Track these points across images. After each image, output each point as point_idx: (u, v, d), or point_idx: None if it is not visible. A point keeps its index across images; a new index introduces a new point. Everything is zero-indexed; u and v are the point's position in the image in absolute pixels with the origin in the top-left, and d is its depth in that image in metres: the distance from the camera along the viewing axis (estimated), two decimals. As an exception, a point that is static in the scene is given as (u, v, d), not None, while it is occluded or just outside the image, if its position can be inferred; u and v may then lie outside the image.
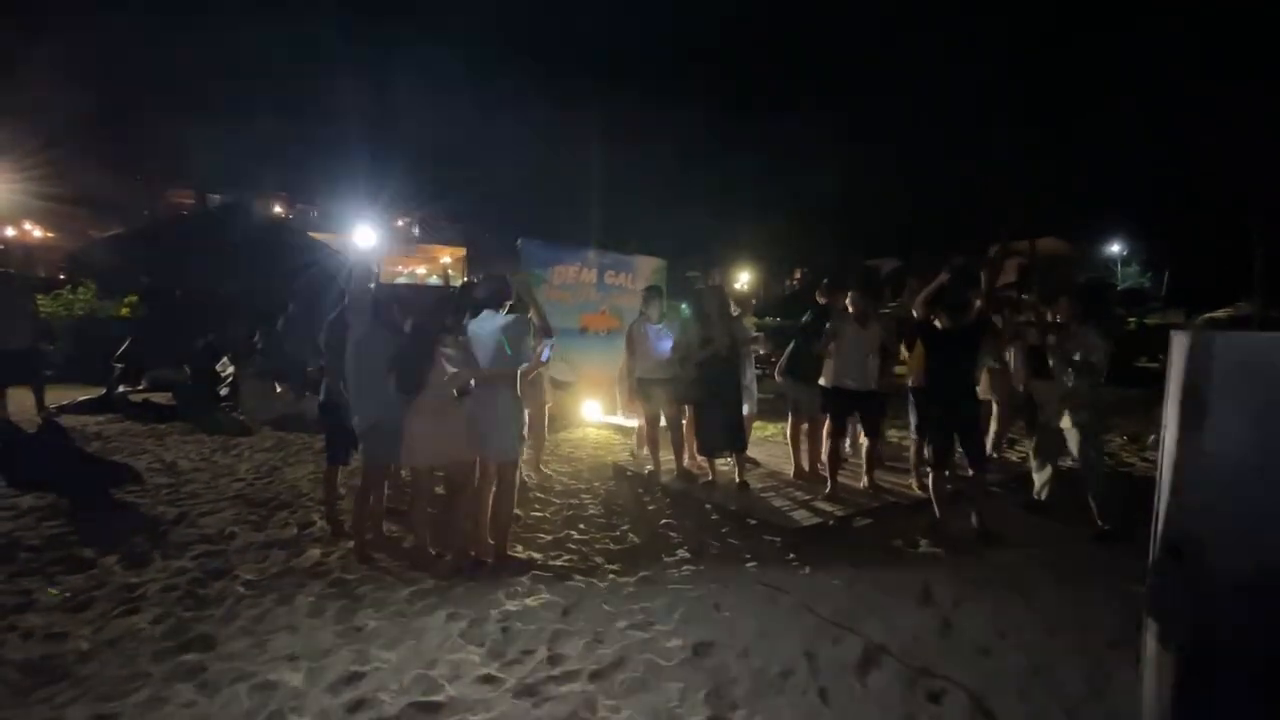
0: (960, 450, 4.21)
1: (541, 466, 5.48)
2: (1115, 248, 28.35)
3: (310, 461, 5.83)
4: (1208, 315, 19.22)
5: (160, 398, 8.33)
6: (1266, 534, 1.50)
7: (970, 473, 4.18)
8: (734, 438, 4.92)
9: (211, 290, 9.86)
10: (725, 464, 5.15)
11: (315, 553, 3.77)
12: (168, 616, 2.99)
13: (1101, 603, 3.22)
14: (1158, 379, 2.10)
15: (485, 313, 3.62)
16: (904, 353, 4.87)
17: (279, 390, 7.98)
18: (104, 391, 8.26)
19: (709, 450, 5.02)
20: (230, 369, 8.48)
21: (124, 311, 11.43)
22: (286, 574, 3.48)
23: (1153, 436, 7.44)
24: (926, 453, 5.14)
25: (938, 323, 4.17)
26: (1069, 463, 4.44)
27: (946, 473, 4.22)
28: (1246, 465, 1.51)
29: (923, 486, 4.98)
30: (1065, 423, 4.14)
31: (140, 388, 8.72)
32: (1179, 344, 1.69)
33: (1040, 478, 4.54)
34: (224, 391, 8.31)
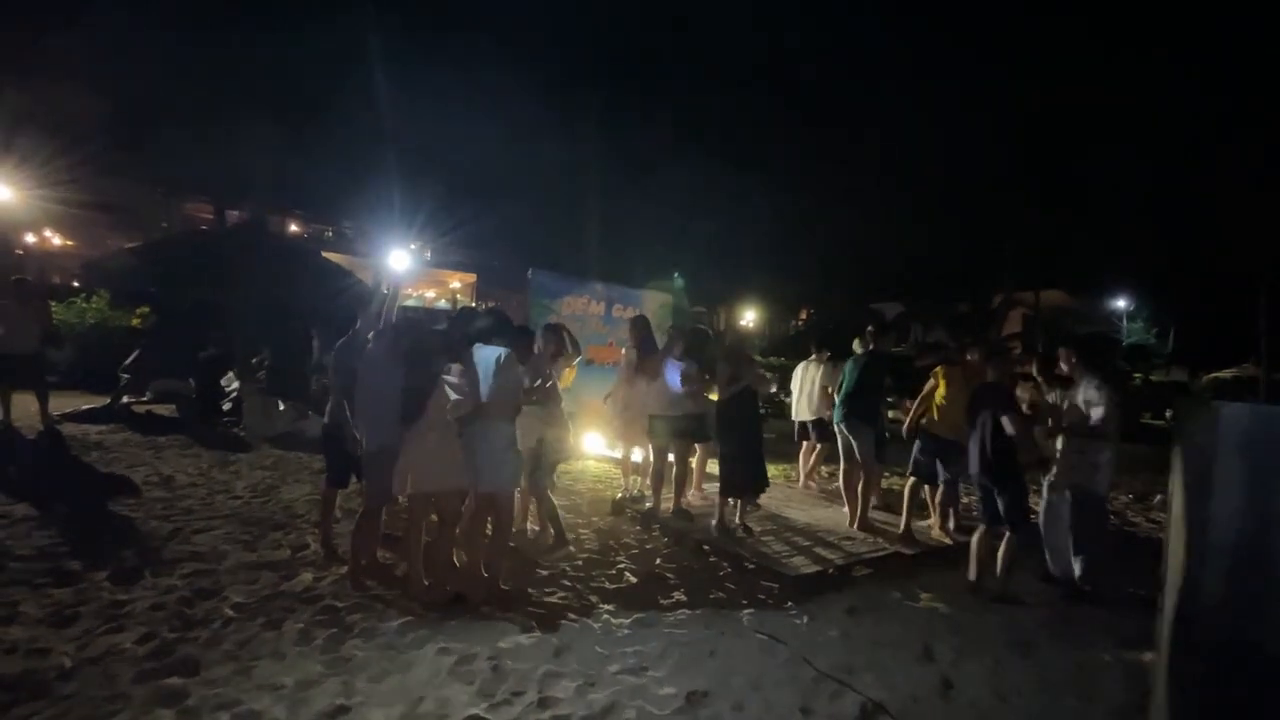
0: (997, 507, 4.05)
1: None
2: (1120, 303, 28.43)
3: (308, 482, 5.80)
4: (1213, 375, 19.21)
5: (164, 409, 8.35)
6: (1269, 609, 1.47)
7: (1003, 531, 3.98)
8: (762, 480, 4.88)
9: (222, 305, 9.97)
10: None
11: (307, 577, 3.72)
12: (153, 636, 2.94)
13: (1103, 667, 3.14)
14: (1162, 436, 2.10)
15: (483, 344, 3.64)
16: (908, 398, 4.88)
17: (281, 408, 7.98)
18: (108, 401, 8.28)
19: (735, 492, 4.89)
20: (234, 384, 8.51)
21: (135, 322, 11.54)
22: (276, 598, 3.43)
23: (1159, 496, 7.34)
24: (932, 501, 5.11)
25: (989, 374, 4.15)
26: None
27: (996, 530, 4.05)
28: (1251, 538, 1.50)
29: (944, 531, 4.92)
30: (1068, 487, 4.04)
31: (145, 399, 8.74)
32: (1186, 413, 1.69)
33: (1049, 550, 4.24)
34: (227, 406, 8.33)
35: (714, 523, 4.79)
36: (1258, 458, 1.51)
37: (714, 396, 5.19)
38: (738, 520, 4.87)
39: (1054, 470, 4.14)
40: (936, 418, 4.77)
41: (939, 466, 4.83)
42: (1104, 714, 2.74)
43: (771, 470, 7.38)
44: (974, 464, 4.04)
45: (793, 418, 6.58)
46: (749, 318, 27.72)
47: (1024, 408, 4.28)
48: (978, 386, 4.20)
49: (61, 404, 7.89)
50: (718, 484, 5.16)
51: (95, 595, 3.33)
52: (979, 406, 4.03)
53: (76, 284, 15.86)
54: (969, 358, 4.83)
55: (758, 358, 7.14)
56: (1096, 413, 3.94)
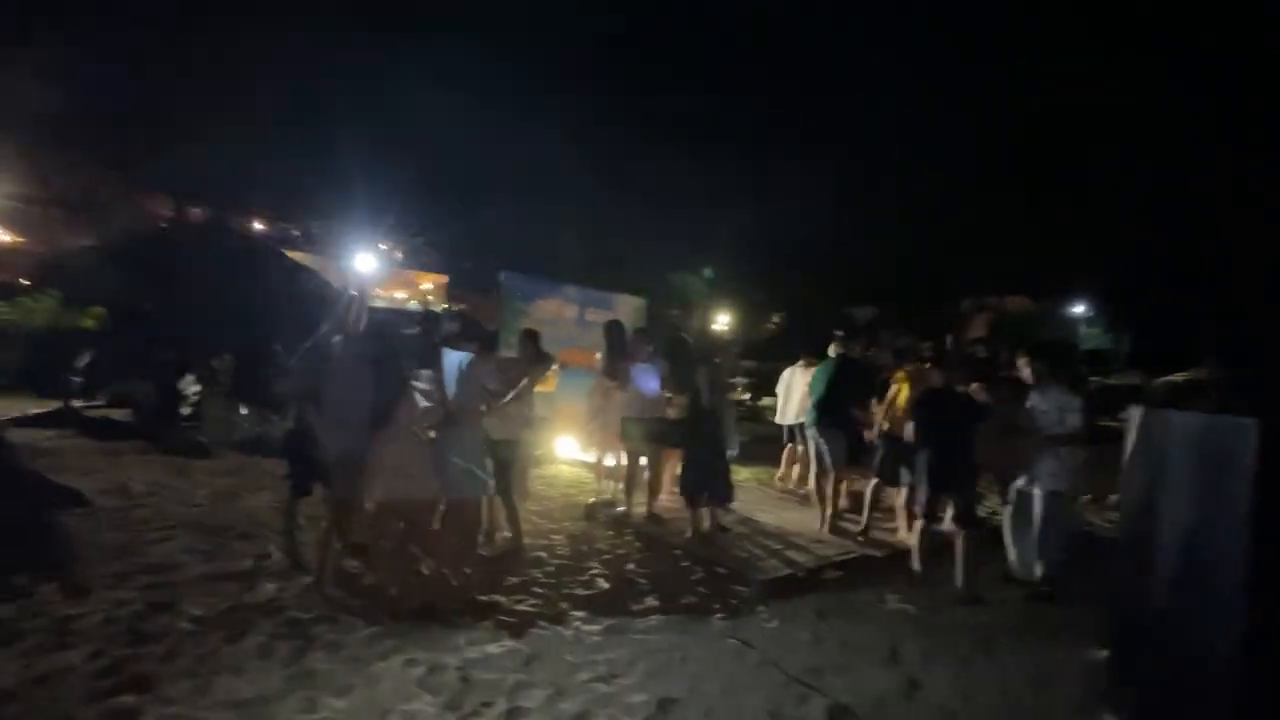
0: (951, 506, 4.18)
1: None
2: (1080, 308, 29.37)
3: (270, 488, 5.64)
4: (1166, 379, 19.97)
5: (119, 414, 8.05)
6: (1210, 612, 1.53)
7: (958, 529, 4.14)
8: (722, 487, 4.81)
9: (181, 306, 9.66)
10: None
11: (270, 587, 3.62)
12: (104, 653, 2.82)
13: (1065, 666, 3.23)
14: (1118, 438, 2.17)
15: (452, 351, 3.60)
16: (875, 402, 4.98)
17: (244, 412, 7.77)
18: (60, 405, 7.96)
19: (693, 494, 4.91)
20: (194, 388, 8.24)
21: (88, 322, 11.11)
22: (236, 610, 3.33)
23: (1114, 496, 7.61)
24: (915, 504, 5.20)
25: (935, 379, 4.27)
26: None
27: (934, 527, 4.21)
28: (1194, 544, 1.55)
29: (868, 529, 5.01)
30: (1035, 488, 4.16)
31: (98, 403, 8.41)
32: (1136, 419, 1.75)
33: (1014, 551, 4.34)
34: (186, 411, 8.06)
35: (688, 534, 4.78)
36: (1204, 464, 1.57)
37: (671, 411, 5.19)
38: (706, 524, 4.87)
39: (1023, 473, 4.26)
40: (897, 422, 4.86)
41: (902, 470, 4.92)
42: (1062, 712, 2.82)
43: (744, 473, 7.49)
44: (925, 465, 4.16)
45: (778, 421, 6.66)
46: (723, 320, 27.89)
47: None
48: (927, 391, 4.31)
49: (8, 408, 7.56)
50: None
51: (43, 611, 3.19)
52: (933, 411, 4.14)
53: (26, 282, 15.21)
54: (928, 364, 4.96)
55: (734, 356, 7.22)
56: (1072, 419, 4.04)
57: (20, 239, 24.26)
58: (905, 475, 4.93)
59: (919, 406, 4.30)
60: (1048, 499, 4.07)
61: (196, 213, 27.45)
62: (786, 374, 6.52)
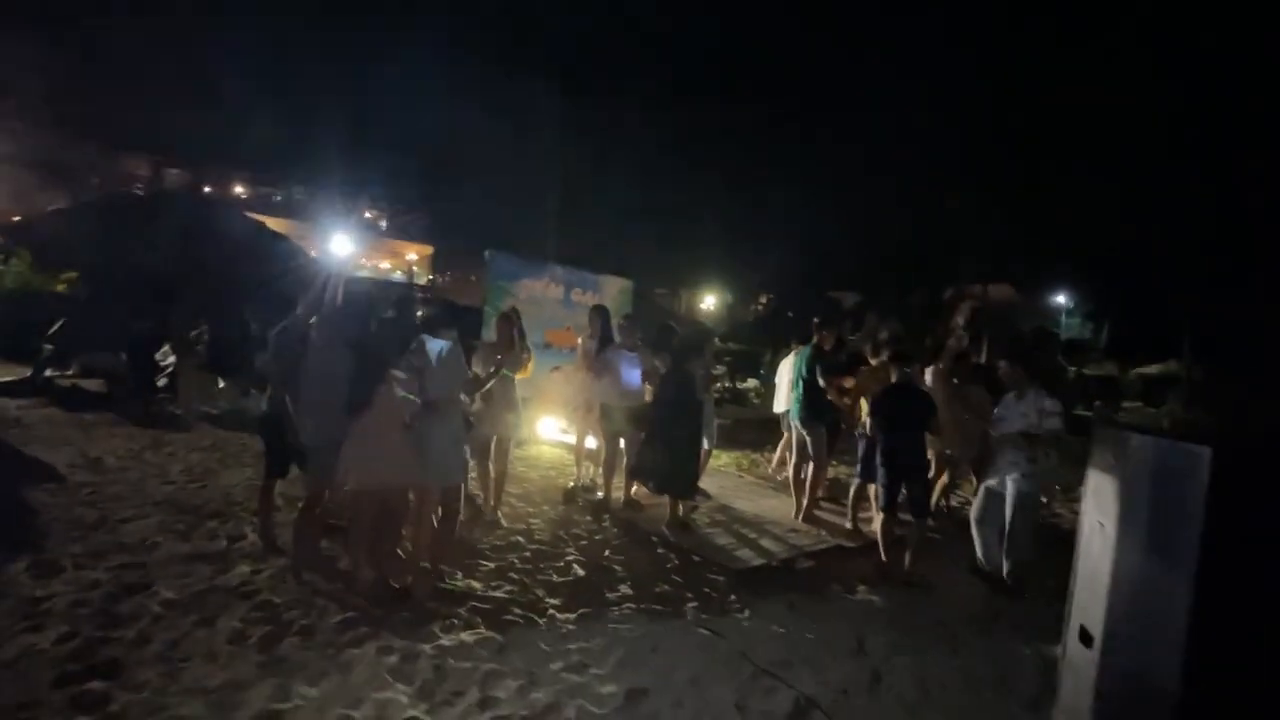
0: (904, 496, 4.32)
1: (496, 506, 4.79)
2: (1061, 298, 29.75)
3: (249, 465, 5.61)
4: (1141, 370, 20.38)
5: (92, 384, 7.91)
6: (1157, 632, 1.58)
7: (911, 520, 4.31)
8: (684, 485, 4.77)
9: (158, 273, 9.44)
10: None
11: (244, 569, 3.61)
12: (74, 636, 2.81)
13: (1021, 660, 3.35)
14: (1091, 428, 2.23)
15: (429, 337, 3.56)
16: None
17: (221, 385, 7.67)
18: (30, 373, 7.79)
19: (657, 488, 4.93)
20: (171, 359, 8.11)
21: (60, 288, 10.83)
22: (210, 592, 3.32)
23: (1082, 488, 7.80)
24: (873, 497, 5.30)
25: (893, 373, 4.36)
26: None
27: (895, 518, 4.33)
28: (1146, 564, 1.60)
29: (855, 524, 5.10)
30: (1007, 488, 4.26)
31: (70, 372, 8.25)
32: (1099, 437, 1.79)
33: (981, 544, 4.43)
34: (162, 382, 7.94)
35: (665, 525, 4.79)
36: (1157, 489, 1.61)
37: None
38: (681, 512, 4.92)
39: (993, 467, 4.35)
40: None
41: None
42: (1019, 706, 2.92)
43: (724, 458, 7.57)
44: (882, 456, 4.31)
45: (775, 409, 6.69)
46: (709, 302, 27.91)
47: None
48: (886, 387, 4.38)
49: (-23, 376, 7.40)
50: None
51: (10, 590, 3.16)
52: (887, 406, 4.24)
53: (-3, 242, 14.75)
54: (880, 359, 5.01)
55: (714, 346, 7.21)
56: (1050, 422, 4.12)
57: (-12, 197, 23.51)
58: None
59: (878, 402, 4.39)
60: (1019, 498, 4.16)
61: (174, 174, 26.72)
62: (784, 362, 6.49)
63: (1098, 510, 1.82)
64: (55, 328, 8.47)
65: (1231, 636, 1.48)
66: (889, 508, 4.30)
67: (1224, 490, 1.42)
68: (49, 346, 8.22)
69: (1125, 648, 1.61)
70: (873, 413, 4.48)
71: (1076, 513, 6.67)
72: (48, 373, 7.92)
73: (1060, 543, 5.29)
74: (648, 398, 5.23)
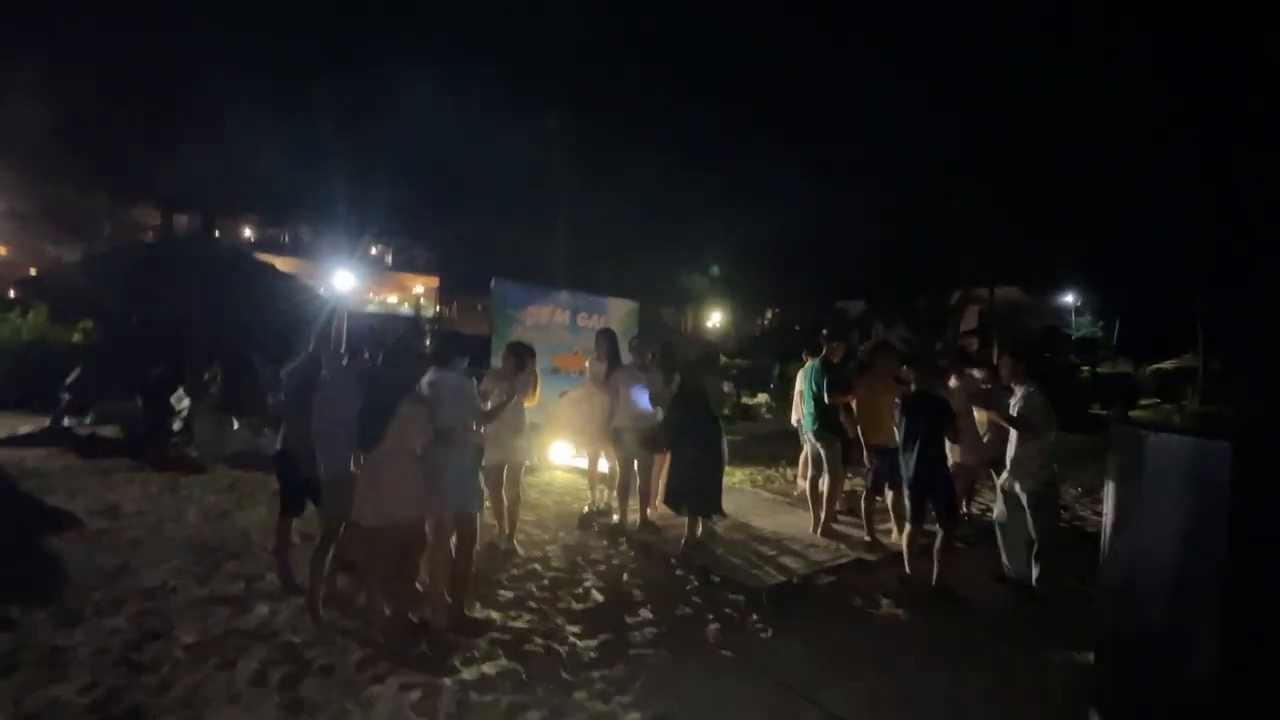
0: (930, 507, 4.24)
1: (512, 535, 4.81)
2: (1069, 297, 29.59)
3: (264, 504, 5.63)
4: (1156, 366, 20.15)
5: (109, 431, 7.99)
6: (1189, 631, 1.55)
7: (938, 529, 4.20)
8: (707, 503, 4.75)
9: (170, 319, 9.59)
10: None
11: (263, 610, 3.61)
12: (97, 685, 2.81)
13: (1052, 669, 3.27)
14: (1107, 426, 2.20)
15: (438, 367, 3.59)
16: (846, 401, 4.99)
17: (236, 425, 7.73)
18: (48, 423, 7.90)
19: (677, 507, 4.91)
20: (185, 402, 8.20)
21: (76, 338, 11.02)
22: (230, 635, 3.31)
23: (1105, 503, 7.66)
24: (890, 507, 5.23)
25: (913, 382, 4.32)
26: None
27: (921, 529, 4.26)
28: (1172, 564, 1.57)
29: (874, 536, 5.03)
30: (1016, 488, 4.21)
31: (87, 420, 8.35)
32: (1117, 438, 1.77)
33: (1005, 550, 4.37)
34: (177, 426, 8.01)
35: (683, 541, 4.76)
36: (1180, 486, 1.58)
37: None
38: (699, 531, 4.90)
39: (1006, 472, 4.29)
40: (878, 430, 4.87)
41: (886, 474, 4.97)
42: (1056, 718, 2.85)
43: (738, 475, 7.51)
44: (906, 468, 4.21)
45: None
46: (715, 318, 27.94)
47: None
48: (909, 396, 4.32)
49: (-4, 428, 7.50)
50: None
51: (34, 641, 3.17)
52: (910, 414, 4.19)
53: (13, 295, 15.05)
54: (877, 366, 4.99)
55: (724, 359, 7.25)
56: (1033, 418, 4.11)
57: (4, 252, 24.06)
58: (887, 481, 5.00)
59: (900, 411, 4.34)
60: (1029, 498, 4.11)
61: (183, 221, 27.27)
62: (800, 373, 6.46)
63: (1120, 511, 1.79)
64: (72, 377, 8.60)
65: (1266, 630, 1.45)
66: (915, 519, 4.22)
67: (1246, 484, 1.40)
68: (66, 395, 8.34)
69: (1158, 649, 1.58)
70: (897, 423, 4.40)
71: (1098, 515, 6.56)
72: (66, 421, 8.02)
73: (1086, 546, 5.20)
74: (659, 419, 5.22)
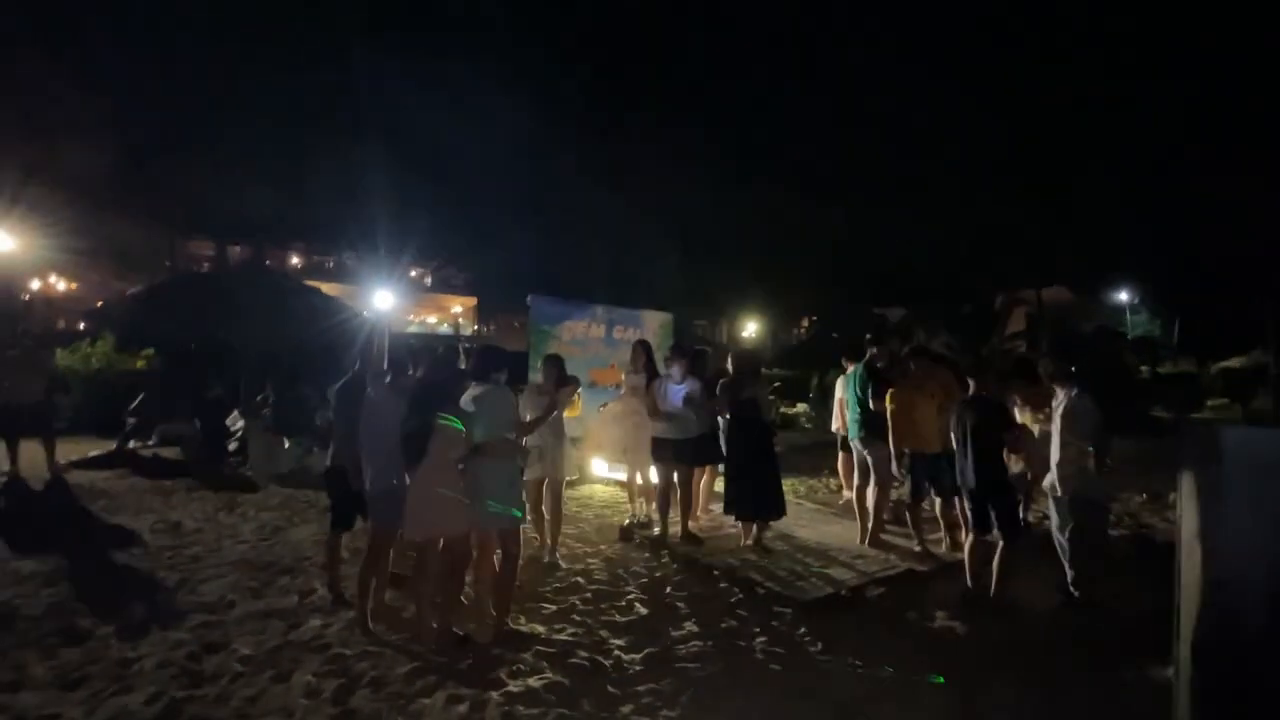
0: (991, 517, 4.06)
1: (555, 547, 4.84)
2: (1123, 296, 28.30)
3: (315, 521, 5.78)
4: (1221, 365, 19.03)
5: (170, 452, 8.37)
6: (1266, 638, 1.44)
7: (999, 538, 4.02)
8: (770, 504, 4.88)
9: (225, 345, 10.02)
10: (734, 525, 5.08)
11: (315, 624, 3.69)
12: (161, 695, 2.91)
13: (1131, 686, 3.08)
14: (1173, 429, 2.08)
15: (478, 381, 3.64)
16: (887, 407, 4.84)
17: (287, 445, 7.99)
18: (115, 445, 8.31)
19: (739, 513, 4.94)
20: (240, 423, 8.53)
21: (139, 365, 11.61)
22: (284, 648, 3.40)
23: (1173, 495, 7.23)
24: (939, 516, 5.05)
25: (972, 386, 4.17)
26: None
27: (985, 538, 4.08)
28: (1254, 566, 1.46)
29: (924, 546, 4.85)
30: (1058, 493, 4.01)
31: (151, 442, 8.76)
32: (1189, 438, 1.67)
33: (1068, 561, 4.08)
34: (233, 446, 8.34)
35: (746, 541, 4.89)
36: (1262, 483, 1.48)
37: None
38: (748, 540, 4.86)
39: (1052, 478, 4.10)
40: (912, 435, 4.73)
41: (929, 483, 4.80)
42: (1130, 736, 2.68)
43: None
44: (965, 476, 4.03)
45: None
46: (750, 329, 27.68)
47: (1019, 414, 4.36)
48: (966, 398, 4.17)
49: (68, 450, 7.92)
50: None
51: (103, 654, 3.31)
52: (966, 418, 4.02)
53: (82, 326, 16.00)
54: (911, 369, 4.84)
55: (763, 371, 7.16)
56: (1082, 422, 3.90)
57: (74, 286, 25.62)
58: (927, 488, 4.83)
59: (956, 415, 4.18)
60: (1072, 502, 3.91)
61: (236, 251, 28.60)
62: (839, 381, 6.36)
63: (1195, 514, 1.68)
64: (136, 402, 9.06)
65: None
66: (979, 527, 4.04)
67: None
68: (131, 420, 8.78)
69: (1237, 661, 1.47)
70: (952, 427, 4.25)
71: (1167, 520, 6.22)
72: (131, 444, 8.43)
73: (1152, 554, 4.92)
74: (697, 429, 5.17)
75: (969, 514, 4.07)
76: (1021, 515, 5.52)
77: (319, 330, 8.81)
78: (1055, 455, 4.04)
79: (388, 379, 3.80)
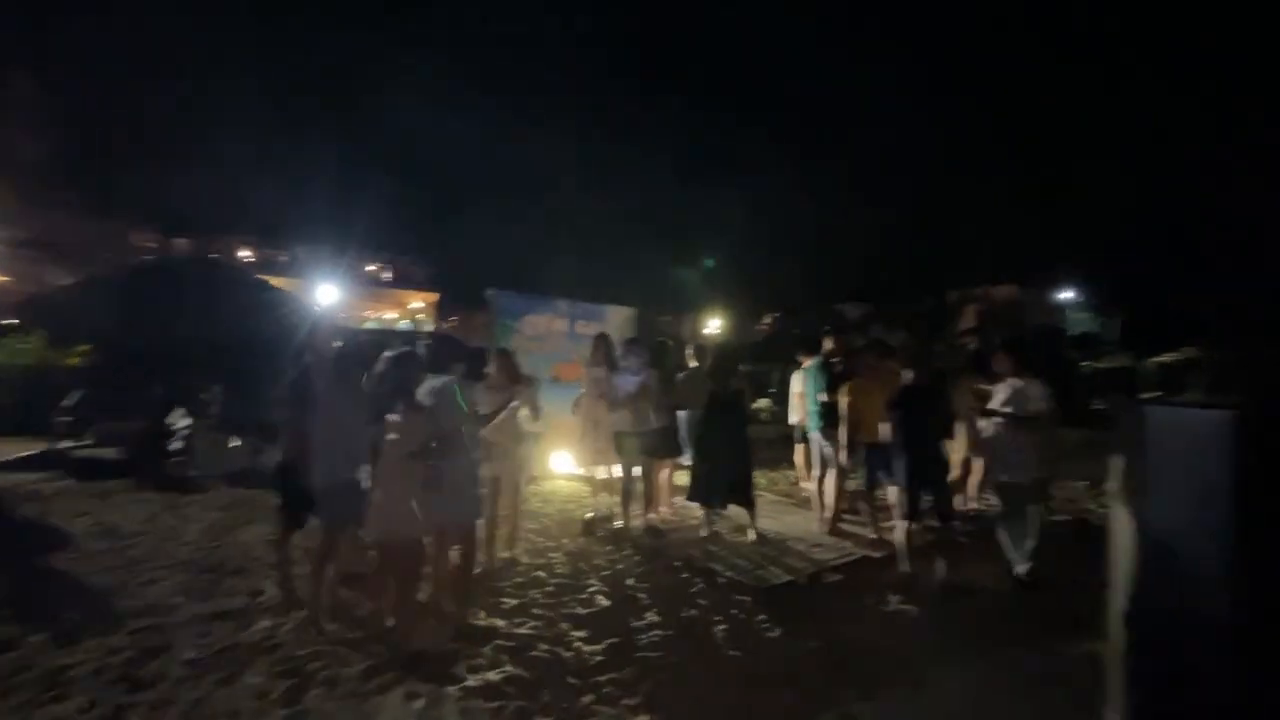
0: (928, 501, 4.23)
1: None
2: (1068, 294, 29.56)
3: (264, 521, 5.57)
4: (1158, 359, 20.08)
5: (108, 453, 7.95)
6: (1199, 606, 1.52)
7: (938, 524, 4.21)
8: (738, 491, 4.95)
9: (168, 340, 9.57)
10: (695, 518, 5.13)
11: (265, 624, 3.56)
12: (98, 703, 2.77)
13: (1069, 659, 3.22)
14: (1110, 416, 2.19)
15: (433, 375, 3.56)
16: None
17: (235, 443, 7.70)
18: (46, 445, 7.87)
19: (704, 500, 4.99)
20: (184, 421, 8.16)
21: (74, 361, 10.99)
22: (232, 650, 3.27)
23: (1110, 482, 7.61)
24: (894, 504, 5.20)
25: (907, 378, 4.31)
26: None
27: (916, 525, 4.23)
28: (1179, 542, 1.55)
29: (880, 534, 4.99)
30: (1002, 478, 4.18)
31: (86, 442, 8.31)
32: (1119, 413, 1.75)
33: (1010, 546, 4.29)
34: (176, 445, 7.97)
35: (704, 533, 4.96)
36: (1184, 457, 1.56)
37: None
38: (706, 531, 4.92)
39: (998, 460, 4.28)
40: (866, 427, 4.86)
41: (879, 472, 4.95)
42: (1071, 706, 2.80)
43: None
44: (899, 465, 4.19)
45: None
46: (714, 324, 27.92)
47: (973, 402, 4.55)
48: (902, 388, 4.30)
49: (-4, 452, 7.47)
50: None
51: (35, 661, 3.13)
52: (902, 407, 4.16)
53: (14, 321, 15.06)
54: (866, 363, 5.00)
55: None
56: (1035, 406, 4.08)
57: (5, 278, 24.11)
58: (882, 476, 4.98)
59: (893, 406, 4.32)
60: (1025, 490, 4.09)
61: (181, 244, 27.37)
62: (794, 375, 6.49)
63: (1125, 491, 1.77)
64: (70, 399, 8.58)
65: (1273, 609, 1.42)
66: (911, 515, 4.19)
67: (1253, 453, 1.38)
68: (65, 418, 8.31)
69: (1166, 631, 1.55)
70: (890, 418, 4.40)
71: (1104, 507, 6.53)
72: (64, 444, 7.98)
73: (1097, 538, 5.16)
74: (658, 422, 5.19)
75: (904, 501, 4.21)
76: (964, 502, 5.76)
77: (270, 325, 8.49)
78: (1002, 443, 4.21)
79: (338, 374, 3.68)
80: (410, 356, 3.39)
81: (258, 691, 2.87)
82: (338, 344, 3.75)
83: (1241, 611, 1.40)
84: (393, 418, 3.18)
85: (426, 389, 3.46)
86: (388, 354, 3.36)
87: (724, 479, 4.93)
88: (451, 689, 2.88)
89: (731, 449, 4.95)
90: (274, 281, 15.48)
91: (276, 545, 4.07)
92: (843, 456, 5.01)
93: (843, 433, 4.91)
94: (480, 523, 3.70)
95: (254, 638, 3.41)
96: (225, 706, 2.76)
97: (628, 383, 5.13)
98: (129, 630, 3.45)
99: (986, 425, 4.86)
